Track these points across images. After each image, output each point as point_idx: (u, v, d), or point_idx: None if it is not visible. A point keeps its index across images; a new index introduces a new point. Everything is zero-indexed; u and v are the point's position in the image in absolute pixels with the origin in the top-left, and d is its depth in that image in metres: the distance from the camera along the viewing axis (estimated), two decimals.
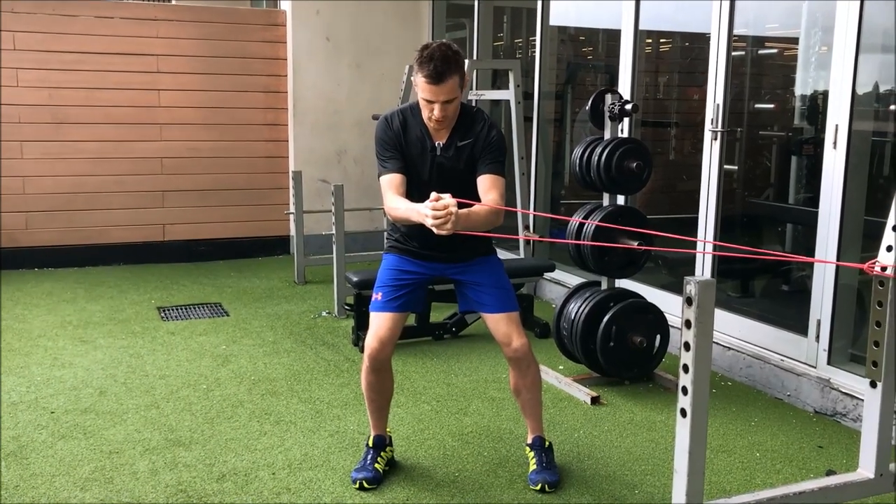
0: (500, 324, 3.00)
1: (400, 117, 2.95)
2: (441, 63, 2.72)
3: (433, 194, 2.61)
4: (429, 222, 2.59)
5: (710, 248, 4.44)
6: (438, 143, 2.92)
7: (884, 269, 2.49)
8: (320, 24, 7.20)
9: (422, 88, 2.78)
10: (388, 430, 3.21)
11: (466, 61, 5.58)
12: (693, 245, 4.59)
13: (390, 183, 2.89)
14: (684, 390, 2.21)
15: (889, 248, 2.49)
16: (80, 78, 6.64)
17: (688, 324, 2.19)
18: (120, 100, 6.77)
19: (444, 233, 2.59)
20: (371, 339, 2.96)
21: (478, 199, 2.84)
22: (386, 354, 2.98)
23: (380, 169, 2.94)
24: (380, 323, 2.98)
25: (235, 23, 7.11)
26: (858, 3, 3.63)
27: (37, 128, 6.57)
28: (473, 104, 6.58)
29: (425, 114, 2.86)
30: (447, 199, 2.59)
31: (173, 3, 9.93)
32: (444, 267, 3.04)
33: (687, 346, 2.19)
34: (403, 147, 2.92)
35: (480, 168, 2.90)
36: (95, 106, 6.71)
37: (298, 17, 7.15)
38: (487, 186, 2.87)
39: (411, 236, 3.01)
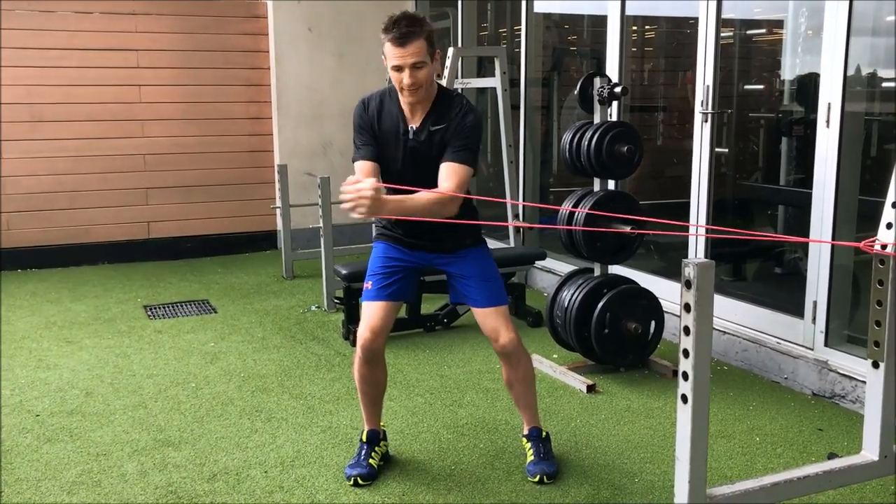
0: (487, 318, 2.93)
1: (377, 100, 2.88)
2: (406, 24, 2.65)
3: (350, 177, 2.53)
4: (343, 206, 2.50)
5: (702, 230, 4.39)
6: (412, 127, 2.83)
7: (884, 246, 2.44)
8: (302, 14, 7.10)
9: (389, 54, 2.69)
10: (381, 424, 3.15)
11: (451, 49, 5.55)
12: (686, 228, 4.54)
13: (361, 169, 2.82)
14: (685, 375, 2.16)
15: (889, 226, 2.44)
16: (58, 74, 6.52)
17: (687, 307, 2.13)
18: (100, 96, 6.66)
19: (357, 216, 2.49)
20: (363, 330, 2.90)
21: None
22: (378, 345, 2.92)
23: (354, 154, 2.89)
24: (371, 312, 2.91)
25: (216, 15, 6.99)
26: None
27: (15, 126, 6.45)
28: (460, 91, 6.53)
29: (397, 85, 2.75)
30: (364, 183, 2.49)
31: None
32: (431, 256, 2.97)
33: (687, 331, 2.14)
34: (377, 132, 2.85)
35: (446, 154, 2.77)
36: (75, 103, 6.60)
37: (280, 8, 7.05)
38: (445, 174, 2.73)
39: (397, 223, 2.95)
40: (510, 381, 3.04)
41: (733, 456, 3.20)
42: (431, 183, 2.67)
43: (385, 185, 2.79)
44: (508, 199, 5.70)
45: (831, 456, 2.98)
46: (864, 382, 2.73)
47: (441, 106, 2.82)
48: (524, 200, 6.10)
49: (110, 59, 6.66)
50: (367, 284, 2.95)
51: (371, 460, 3.02)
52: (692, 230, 4.46)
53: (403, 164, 2.85)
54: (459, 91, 6.43)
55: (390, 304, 2.93)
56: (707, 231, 4.36)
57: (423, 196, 2.66)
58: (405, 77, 2.69)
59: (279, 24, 7.05)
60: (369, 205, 2.45)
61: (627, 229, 3.80)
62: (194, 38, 6.92)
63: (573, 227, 3.92)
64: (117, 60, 6.68)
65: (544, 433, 3.11)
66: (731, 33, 5.19)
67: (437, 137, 2.80)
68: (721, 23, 4.34)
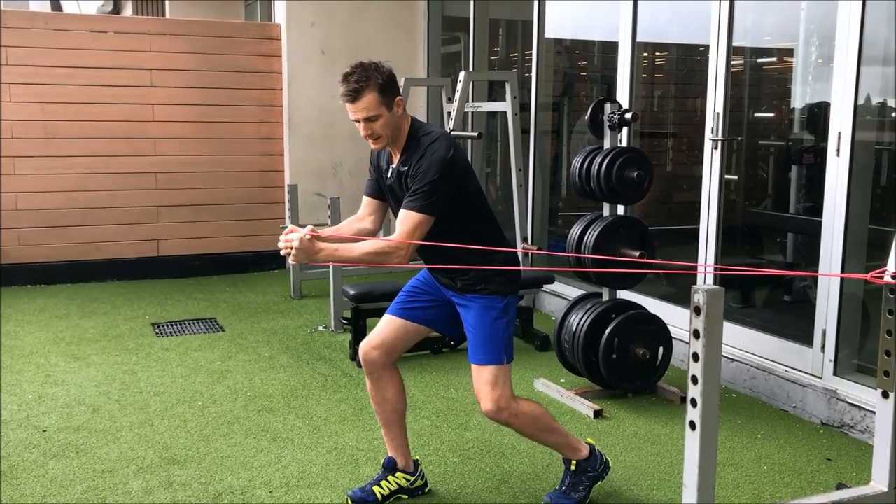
0: (473, 375, 2.79)
1: None
2: (355, 79, 2.63)
3: (290, 226, 2.68)
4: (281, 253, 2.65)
5: (711, 269, 4.37)
6: (392, 167, 2.80)
7: (894, 277, 2.43)
8: (315, 36, 7.16)
9: (347, 108, 2.69)
10: (414, 456, 3.07)
11: (462, 73, 5.57)
12: (695, 263, 4.53)
13: (363, 203, 2.94)
14: (693, 402, 2.15)
15: None
16: (72, 92, 6.58)
17: (696, 334, 2.13)
18: (113, 114, 6.72)
19: (291, 262, 2.65)
20: (363, 341, 2.92)
21: (443, 226, 2.69)
22: (374, 358, 2.90)
23: None
24: (378, 325, 2.94)
25: (230, 36, 7.07)
26: (860, 6, 3.60)
27: (29, 143, 6.51)
28: (470, 115, 6.57)
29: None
30: (298, 233, 2.59)
31: (167, 16, 9.92)
32: (449, 293, 2.88)
33: (696, 357, 2.13)
34: (376, 169, 2.90)
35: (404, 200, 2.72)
36: (88, 120, 6.65)
37: (293, 30, 7.11)
38: (397, 221, 2.69)
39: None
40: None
41: (741, 485, 3.18)
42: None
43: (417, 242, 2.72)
44: (517, 221, 5.70)
45: (840, 486, 2.96)
46: (874, 412, 2.72)
47: (410, 146, 2.74)
48: (533, 224, 6.10)
49: (124, 78, 6.72)
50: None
51: (375, 488, 2.97)
52: (700, 268, 4.45)
53: (391, 202, 2.86)
54: (471, 115, 6.47)
55: (399, 322, 2.91)
56: (716, 269, 4.33)
57: (361, 245, 2.67)
58: (361, 129, 2.69)
59: (292, 46, 7.12)
60: (295, 254, 2.59)
61: (636, 255, 3.80)
62: (208, 59, 6.98)
63: (581, 255, 3.92)
64: (131, 79, 6.74)
65: (573, 465, 2.95)
66: (741, 61, 5.21)
67: (405, 179, 2.73)
68: (732, 50, 4.36)
